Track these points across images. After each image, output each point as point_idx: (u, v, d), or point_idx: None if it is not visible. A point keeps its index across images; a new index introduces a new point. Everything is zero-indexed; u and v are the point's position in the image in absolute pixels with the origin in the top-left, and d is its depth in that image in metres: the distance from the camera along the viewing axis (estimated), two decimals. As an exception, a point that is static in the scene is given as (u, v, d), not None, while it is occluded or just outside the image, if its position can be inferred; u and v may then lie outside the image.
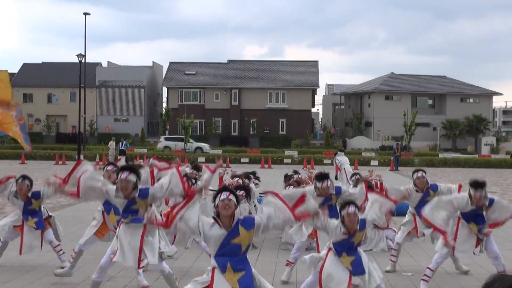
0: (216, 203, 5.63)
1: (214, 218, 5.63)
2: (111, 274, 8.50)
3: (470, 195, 8.30)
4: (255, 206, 12.53)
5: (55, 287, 8.20)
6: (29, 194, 9.12)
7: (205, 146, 52.88)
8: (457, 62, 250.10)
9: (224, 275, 5.54)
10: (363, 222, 6.95)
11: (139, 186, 7.15)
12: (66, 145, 55.30)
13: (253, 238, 5.76)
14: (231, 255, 5.55)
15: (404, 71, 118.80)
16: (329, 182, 8.81)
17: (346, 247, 6.94)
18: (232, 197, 5.62)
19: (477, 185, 8.27)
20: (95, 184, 7.23)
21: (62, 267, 8.88)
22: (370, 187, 11.22)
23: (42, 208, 9.33)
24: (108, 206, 8.42)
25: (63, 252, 9.27)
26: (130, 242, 7.15)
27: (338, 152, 27.03)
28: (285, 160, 41.67)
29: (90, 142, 59.90)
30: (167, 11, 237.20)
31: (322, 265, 6.96)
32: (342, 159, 24.14)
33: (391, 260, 9.64)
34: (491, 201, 8.45)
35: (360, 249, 7.13)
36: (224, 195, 5.60)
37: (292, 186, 11.41)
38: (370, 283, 6.92)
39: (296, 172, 15.07)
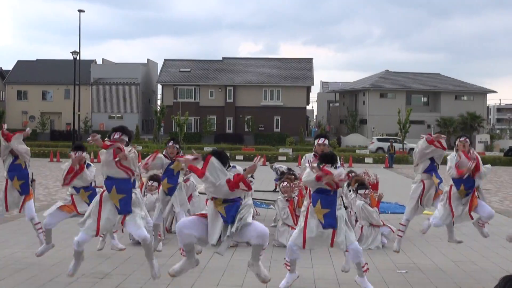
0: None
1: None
2: (106, 271, 8.50)
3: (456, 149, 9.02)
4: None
5: (50, 284, 8.18)
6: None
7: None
8: (451, 60, 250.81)
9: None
10: (338, 168, 7.18)
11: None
12: (60, 142, 55.24)
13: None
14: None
15: (399, 69, 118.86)
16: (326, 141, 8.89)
17: (321, 192, 7.14)
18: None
19: (460, 135, 9.22)
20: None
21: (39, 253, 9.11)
22: (363, 185, 11.29)
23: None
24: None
25: (43, 231, 9.28)
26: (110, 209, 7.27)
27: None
28: (279, 158, 41.70)
29: (84, 140, 59.77)
30: (162, 8, 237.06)
31: (305, 221, 7.25)
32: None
33: (398, 235, 9.78)
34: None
35: (340, 207, 7.28)
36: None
37: (286, 183, 11.44)
38: (340, 239, 7.13)
39: (290, 169, 15.11)
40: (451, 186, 9.02)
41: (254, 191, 17.20)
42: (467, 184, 8.86)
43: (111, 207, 7.18)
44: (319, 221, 7.17)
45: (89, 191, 8.82)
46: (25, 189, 9.45)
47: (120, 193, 7.13)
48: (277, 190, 14.00)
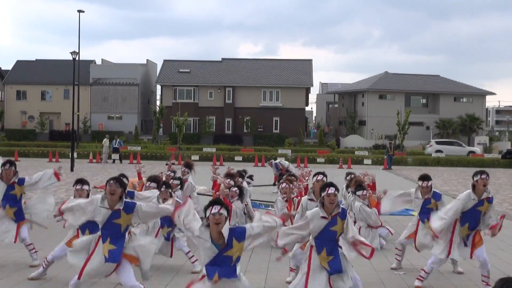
0: (207, 216, 5.58)
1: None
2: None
3: (473, 186, 8.19)
4: (246, 205, 12.55)
5: (47, 284, 8.18)
6: (15, 180, 9.21)
7: None
8: (451, 61, 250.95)
9: (212, 280, 5.64)
10: (344, 211, 6.84)
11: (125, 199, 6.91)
12: (59, 142, 55.16)
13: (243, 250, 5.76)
14: (221, 265, 5.64)
15: (398, 70, 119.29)
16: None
17: (326, 240, 6.74)
18: (223, 211, 5.56)
19: (480, 172, 8.20)
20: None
21: (33, 266, 9.01)
22: (361, 187, 11.30)
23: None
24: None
25: (36, 251, 9.29)
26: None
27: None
28: (278, 159, 41.63)
29: (83, 140, 59.73)
30: (161, 9, 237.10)
31: (308, 267, 6.82)
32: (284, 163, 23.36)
33: (397, 259, 9.62)
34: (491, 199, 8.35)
35: (341, 249, 6.90)
36: (215, 209, 5.54)
37: (285, 185, 11.42)
38: (344, 282, 6.81)
39: (288, 171, 15.12)
40: (456, 220, 8.38)
41: (254, 186, 17.21)
42: (472, 223, 8.28)
43: (100, 257, 6.81)
44: (323, 267, 6.77)
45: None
46: (20, 215, 9.28)
47: (113, 243, 6.80)
48: (276, 183, 13.99)
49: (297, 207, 11.31)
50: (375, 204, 11.36)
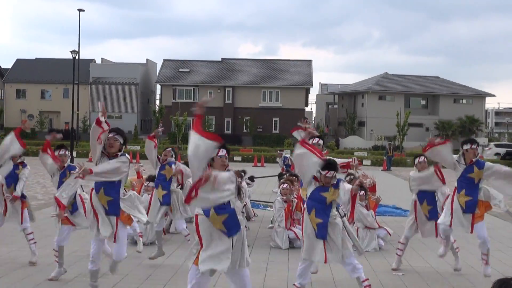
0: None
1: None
2: (102, 271, 8.49)
3: (462, 154, 8.42)
4: (245, 205, 12.58)
5: (47, 283, 8.19)
6: (20, 160, 9.62)
7: None
8: (451, 63, 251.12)
9: (208, 218, 5.78)
10: (338, 181, 7.13)
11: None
12: (58, 141, 54.99)
13: None
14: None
15: (398, 71, 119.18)
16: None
17: (317, 202, 7.04)
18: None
19: (470, 141, 8.50)
20: None
21: (32, 262, 9.05)
22: (363, 188, 11.27)
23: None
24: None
25: (35, 242, 9.27)
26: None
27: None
28: (277, 159, 41.62)
29: (82, 139, 59.71)
30: (161, 8, 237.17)
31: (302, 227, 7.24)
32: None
33: (397, 254, 9.47)
34: (482, 163, 8.48)
35: (336, 216, 7.12)
36: (222, 152, 6.07)
37: (286, 185, 11.44)
38: (336, 251, 7.00)
39: (289, 170, 15.14)
40: (455, 189, 8.66)
41: (259, 177, 17.19)
42: (468, 190, 8.42)
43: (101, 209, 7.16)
44: (313, 229, 7.07)
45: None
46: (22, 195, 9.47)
47: (108, 195, 7.09)
48: (284, 173, 14.00)
49: (296, 208, 11.33)
50: (373, 205, 11.39)
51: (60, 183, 8.53)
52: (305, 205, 7.24)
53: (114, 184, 7.05)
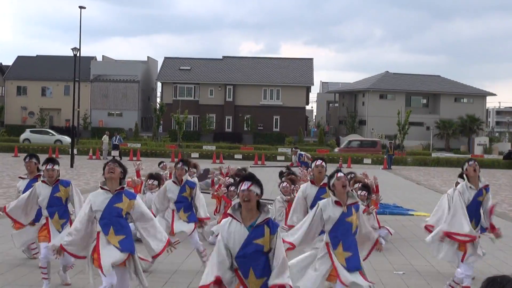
0: (237, 192, 5.04)
1: (228, 213, 5.07)
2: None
3: (466, 176, 7.86)
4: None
5: (52, 278, 8.16)
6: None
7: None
8: (452, 62, 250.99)
9: (247, 280, 4.96)
10: (357, 205, 6.28)
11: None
12: (59, 138, 55.11)
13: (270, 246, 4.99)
14: (254, 259, 4.93)
15: (399, 70, 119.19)
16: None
17: (341, 231, 6.12)
18: (253, 188, 4.93)
19: (468, 160, 7.99)
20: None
21: (44, 278, 8.61)
22: (366, 187, 11.20)
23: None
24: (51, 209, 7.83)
25: (38, 252, 9.03)
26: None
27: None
28: (278, 157, 41.68)
29: (83, 136, 59.76)
30: (163, 6, 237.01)
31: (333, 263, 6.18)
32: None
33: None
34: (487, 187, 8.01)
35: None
36: (244, 186, 4.94)
37: (286, 184, 11.41)
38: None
39: (289, 169, 15.10)
40: None
41: (270, 167, 17.13)
42: (477, 218, 7.93)
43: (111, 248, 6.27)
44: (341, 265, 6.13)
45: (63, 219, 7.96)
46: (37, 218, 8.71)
47: (119, 233, 6.29)
48: (284, 172, 13.95)
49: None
50: (375, 205, 11.35)
51: (52, 198, 7.77)
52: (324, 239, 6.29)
53: (122, 220, 6.31)
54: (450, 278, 8.86)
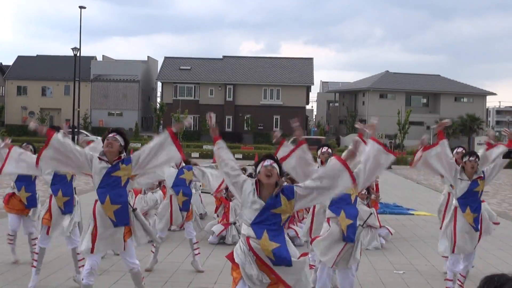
0: (258, 170, 5.27)
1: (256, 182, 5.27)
2: (104, 267, 8.50)
3: (462, 167, 7.60)
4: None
5: (48, 280, 8.18)
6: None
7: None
8: (452, 61, 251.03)
9: (259, 241, 5.13)
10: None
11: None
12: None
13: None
14: (269, 224, 5.17)
15: (400, 70, 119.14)
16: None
17: (343, 202, 6.59)
18: (275, 165, 5.26)
19: (469, 153, 7.68)
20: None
21: (33, 265, 8.56)
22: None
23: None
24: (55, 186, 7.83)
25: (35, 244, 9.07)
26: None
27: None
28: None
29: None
30: (163, 6, 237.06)
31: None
32: None
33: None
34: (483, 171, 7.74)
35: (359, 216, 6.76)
36: (267, 162, 5.25)
37: (286, 183, 11.41)
38: (347, 258, 6.51)
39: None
40: (455, 208, 7.74)
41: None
42: (474, 205, 7.62)
43: (106, 222, 6.27)
44: (342, 232, 6.54)
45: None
46: (33, 202, 8.97)
47: (115, 203, 6.25)
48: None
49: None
50: (374, 204, 11.37)
51: (56, 176, 7.89)
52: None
53: (121, 187, 6.24)
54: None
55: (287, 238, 5.31)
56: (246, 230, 5.20)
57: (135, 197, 11.11)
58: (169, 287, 8.06)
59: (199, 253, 9.06)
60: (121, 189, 6.25)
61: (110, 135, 6.34)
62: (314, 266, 7.70)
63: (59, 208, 7.75)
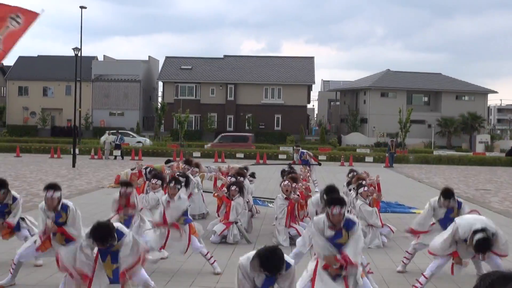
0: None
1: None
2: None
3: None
4: (247, 202, 12.57)
5: (48, 280, 8.18)
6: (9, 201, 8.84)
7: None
8: (453, 60, 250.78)
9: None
10: (351, 223, 6.53)
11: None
12: (61, 138, 55.29)
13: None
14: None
15: (401, 68, 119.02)
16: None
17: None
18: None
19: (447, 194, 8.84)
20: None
21: (37, 265, 8.78)
22: (361, 185, 11.22)
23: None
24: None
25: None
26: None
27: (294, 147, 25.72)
28: (280, 156, 41.65)
29: (85, 136, 59.78)
30: (164, 5, 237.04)
31: (313, 282, 6.42)
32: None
33: (403, 262, 9.32)
34: (459, 204, 8.94)
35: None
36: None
37: (287, 182, 11.42)
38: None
39: (291, 167, 15.11)
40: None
41: (274, 164, 17.18)
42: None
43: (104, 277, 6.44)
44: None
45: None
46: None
47: (115, 263, 6.38)
48: (286, 170, 14.00)
49: (306, 206, 11.27)
50: (376, 203, 11.35)
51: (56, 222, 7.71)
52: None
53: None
54: (451, 276, 8.86)
55: None
56: None
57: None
58: (171, 286, 8.05)
59: (214, 260, 8.95)
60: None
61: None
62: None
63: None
